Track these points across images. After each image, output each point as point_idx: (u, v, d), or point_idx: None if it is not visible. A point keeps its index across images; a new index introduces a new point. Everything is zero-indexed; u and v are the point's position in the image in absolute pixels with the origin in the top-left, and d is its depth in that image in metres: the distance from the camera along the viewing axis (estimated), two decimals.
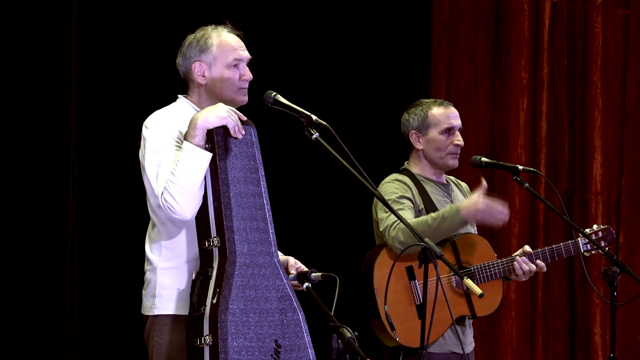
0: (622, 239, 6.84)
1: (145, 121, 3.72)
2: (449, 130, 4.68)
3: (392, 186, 4.63)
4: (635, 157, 6.88)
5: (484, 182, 4.49)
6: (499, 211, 4.44)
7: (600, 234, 4.72)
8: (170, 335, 3.67)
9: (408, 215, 4.51)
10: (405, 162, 4.79)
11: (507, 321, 6.74)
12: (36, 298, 5.61)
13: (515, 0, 6.82)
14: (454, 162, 4.71)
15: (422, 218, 4.48)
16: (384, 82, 6.54)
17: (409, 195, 4.59)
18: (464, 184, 4.90)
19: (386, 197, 4.54)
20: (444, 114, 4.69)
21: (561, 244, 4.69)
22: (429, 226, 4.42)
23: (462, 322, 4.62)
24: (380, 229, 4.52)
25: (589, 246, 4.67)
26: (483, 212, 4.43)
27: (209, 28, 3.84)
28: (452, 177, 4.86)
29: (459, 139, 4.68)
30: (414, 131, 4.71)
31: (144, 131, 3.69)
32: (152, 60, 5.87)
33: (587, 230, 4.72)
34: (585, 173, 6.88)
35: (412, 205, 4.57)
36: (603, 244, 4.68)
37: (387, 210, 4.48)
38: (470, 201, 4.45)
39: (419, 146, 4.71)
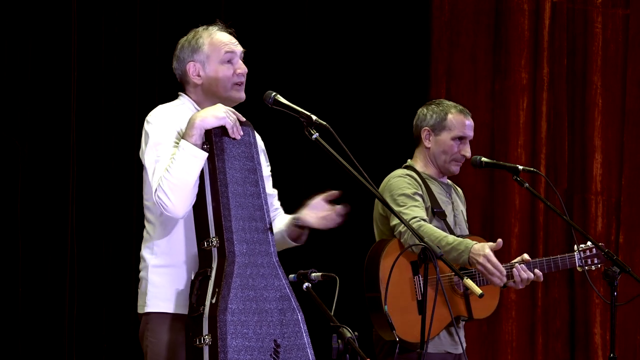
0: (622, 239, 6.84)
1: (148, 116, 3.72)
2: (461, 139, 4.69)
3: (404, 181, 4.63)
4: (635, 157, 6.88)
5: (500, 241, 4.49)
6: (499, 275, 4.45)
7: (594, 250, 4.70)
8: (163, 335, 3.67)
9: (422, 212, 4.51)
10: (408, 160, 4.79)
11: (507, 321, 6.74)
12: (36, 298, 5.61)
13: (515, 0, 6.82)
14: (455, 169, 4.73)
15: (439, 234, 4.48)
16: (384, 82, 6.54)
17: (420, 192, 4.61)
18: (460, 191, 4.91)
19: (399, 192, 4.57)
20: (462, 122, 4.70)
21: (558, 256, 4.69)
22: (441, 247, 4.40)
23: (457, 322, 4.62)
24: (393, 223, 4.51)
25: (583, 262, 4.67)
26: (485, 264, 4.42)
27: (200, 29, 3.85)
28: (450, 181, 4.87)
29: (466, 151, 4.69)
30: (427, 128, 4.72)
31: (146, 125, 3.70)
32: (152, 60, 5.87)
33: (582, 245, 4.71)
34: (585, 173, 6.88)
35: (423, 202, 4.59)
36: (596, 261, 4.68)
37: (401, 204, 4.49)
38: (483, 248, 4.43)
39: (427, 144, 4.72)
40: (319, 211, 3.79)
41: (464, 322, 4.67)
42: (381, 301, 4.40)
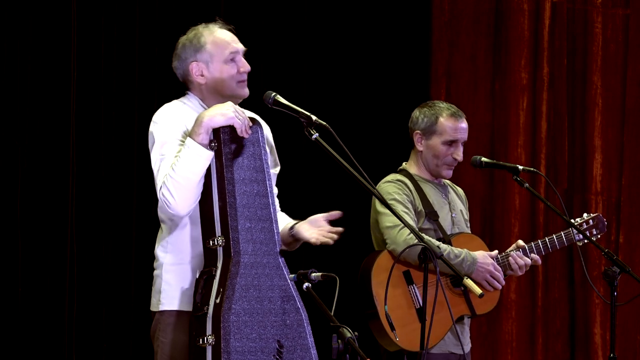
0: (622, 239, 6.84)
1: (154, 115, 3.73)
2: (452, 143, 4.67)
3: (394, 186, 4.63)
4: (635, 157, 6.88)
5: (496, 252, 4.61)
6: (498, 284, 4.58)
7: (591, 222, 4.74)
8: (174, 335, 3.68)
9: (411, 221, 4.52)
10: (404, 163, 4.79)
11: (507, 321, 6.74)
12: (36, 298, 5.61)
13: (515, 0, 6.82)
14: (447, 173, 4.71)
15: (444, 246, 4.53)
16: (384, 82, 6.54)
17: (410, 198, 4.61)
18: (460, 190, 4.91)
19: (390, 197, 4.56)
20: (452, 127, 4.67)
21: (554, 235, 4.70)
22: (450, 259, 4.45)
23: (461, 322, 4.63)
24: (383, 230, 4.53)
25: (581, 236, 4.69)
26: (494, 273, 4.54)
27: (200, 27, 3.84)
28: (447, 181, 4.86)
29: (458, 154, 4.67)
30: (418, 131, 4.71)
31: (152, 126, 3.70)
32: (151, 60, 5.86)
33: (578, 219, 4.75)
34: (585, 173, 6.88)
35: (412, 208, 4.59)
36: (595, 232, 4.72)
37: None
38: (486, 258, 4.54)
39: (419, 147, 4.72)
40: (315, 227, 3.81)
41: (469, 320, 4.67)
42: (378, 316, 4.44)
